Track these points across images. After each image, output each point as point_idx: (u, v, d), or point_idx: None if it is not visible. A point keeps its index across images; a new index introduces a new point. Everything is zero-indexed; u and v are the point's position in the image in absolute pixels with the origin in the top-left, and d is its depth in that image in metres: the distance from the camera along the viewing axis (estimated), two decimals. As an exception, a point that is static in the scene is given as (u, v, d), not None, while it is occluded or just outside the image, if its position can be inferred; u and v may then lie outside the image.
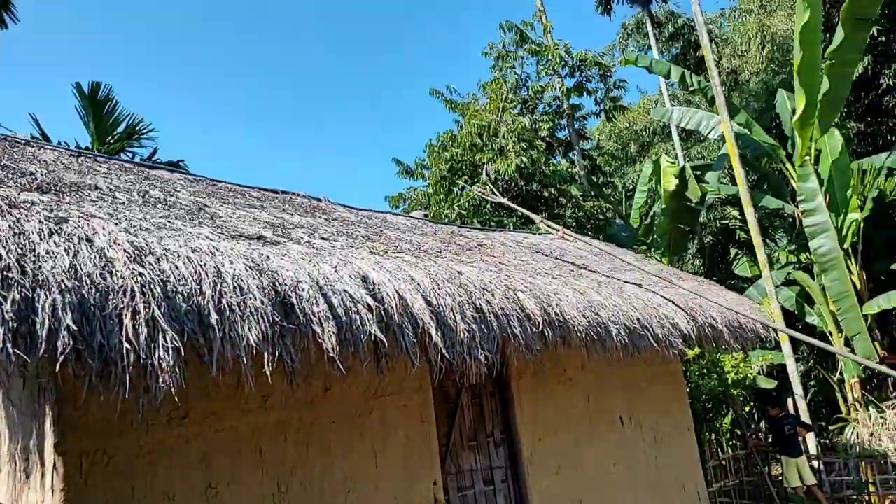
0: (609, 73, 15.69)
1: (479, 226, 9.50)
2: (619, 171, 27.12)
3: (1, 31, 18.32)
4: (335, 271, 3.77)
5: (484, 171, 13.56)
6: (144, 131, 18.96)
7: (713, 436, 12.54)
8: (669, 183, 15.58)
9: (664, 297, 7.16)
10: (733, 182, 16.99)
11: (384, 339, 3.60)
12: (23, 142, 4.69)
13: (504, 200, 9.17)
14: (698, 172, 15.98)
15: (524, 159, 12.58)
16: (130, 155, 18.16)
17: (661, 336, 6.53)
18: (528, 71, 15.83)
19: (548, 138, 16.33)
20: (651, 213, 18.45)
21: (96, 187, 4.04)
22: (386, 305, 3.80)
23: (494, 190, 8.91)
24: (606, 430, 7.63)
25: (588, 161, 16.60)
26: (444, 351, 3.91)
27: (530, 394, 6.71)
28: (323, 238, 4.65)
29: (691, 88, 15.16)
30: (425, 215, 8.75)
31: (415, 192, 14.61)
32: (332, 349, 3.30)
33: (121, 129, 18.07)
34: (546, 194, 14.48)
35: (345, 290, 3.59)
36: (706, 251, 18.92)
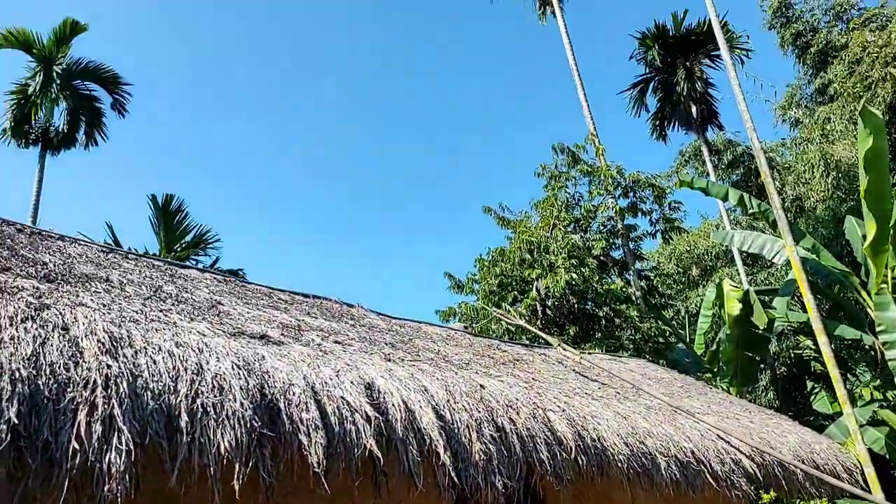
0: (664, 194, 15.51)
1: (524, 342, 9.06)
2: (680, 294, 26.22)
3: (91, 148, 20.17)
4: (336, 376, 3.45)
5: (534, 288, 13.22)
6: (211, 241, 19.91)
7: None
8: (733, 308, 14.75)
9: (718, 429, 6.41)
10: (803, 310, 15.98)
11: (380, 456, 3.18)
12: (55, 236, 4.74)
13: (522, 323, 8.81)
14: (764, 298, 15.13)
15: (574, 276, 12.21)
16: (195, 262, 18.97)
17: (720, 473, 5.75)
18: (581, 191, 15.85)
19: (602, 257, 15.99)
20: (717, 339, 17.43)
21: (107, 279, 3.96)
22: (389, 417, 3.41)
23: (531, 311, 8.58)
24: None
25: (645, 282, 16.05)
26: (454, 474, 3.44)
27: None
28: (337, 342, 4.38)
29: (751, 212, 14.71)
30: (465, 327, 8.40)
31: (465, 306, 14.34)
32: (319, 463, 2.91)
33: (189, 238, 19.01)
34: (601, 314, 13.92)
35: (342, 397, 3.25)
36: (779, 383, 17.53)
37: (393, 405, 3.48)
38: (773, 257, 15.51)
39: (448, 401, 3.89)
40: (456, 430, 3.73)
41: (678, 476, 5.19)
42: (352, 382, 3.44)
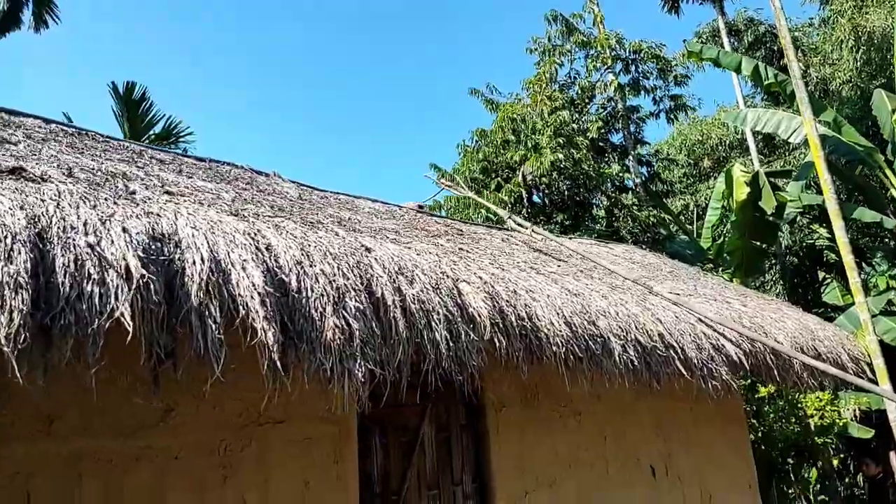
0: (669, 67, 13.82)
1: (490, 224, 7.95)
2: (690, 188, 24.86)
3: (42, 31, 18.57)
4: (102, 223, 2.38)
5: (520, 173, 11.99)
6: (183, 134, 18.52)
7: (797, 489, 10.29)
8: (741, 193, 13.49)
9: (691, 308, 5.39)
10: (820, 193, 14.64)
11: (150, 330, 2.17)
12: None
13: (469, 193, 7.67)
14: (775, 180, 13.79)
15: (560, 156, 10.92)
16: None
17: (695, 361, 4.76)
18: (577, 68, 14.20)
19: (599, 141, 14.58)
20: (725, 231, 16.24)
21: None
22: (185, 278, 2.37)
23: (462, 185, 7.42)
24: (630, 483, 5.84)
25: (646, 168, 14.70)
26: (276, 357, 2.44)
27: (515, 430, 5.06)
28: (169, 192, 3.29)
29: (767, 83, 13.09)
30: (420, 207, 7.31)
31: (451, 200, 13.22)
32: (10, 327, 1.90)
33: (157, 129, 17.66)
34: (594, 201, 12.74)
35: (89, 244, 2.19)
36: (787, 274, 16.49)
37: (192, 262, 2.43)
38: (789, 136, 14.03)
39: (300, 262, 2.83)
40: (303, 301, 2.69)
41: (637, 363, 4.20)
42: (125, 230, 2.37)
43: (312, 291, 2.75)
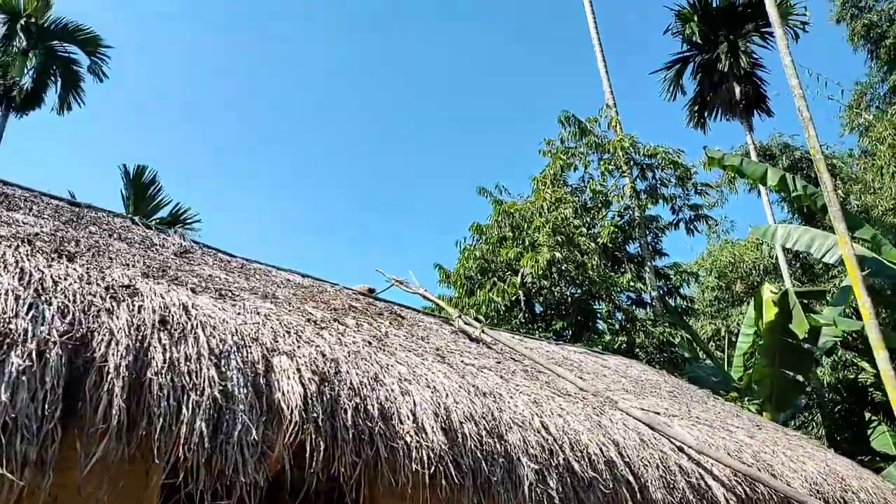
0: (688, 175, 12.96)
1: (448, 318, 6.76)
2: (721, 313, 23.32)
3: (65, 113, 19.05)
4: None
5: (520, 274, 10.94)
6: (189, 221, 18.33)
7: None
8: (770, 314, 12.12)
9: (665, 432, 4.08)
10: (859, 318, 13.10)
11: None
12: None
13: (420, 291, 6.71)
14: (808, 302, 12.37)
15: (558, 255, 9.87)
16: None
17: (657, 499, 3.43)
18: (592, 171, 13.45)
19: (615, 251, 13.51)
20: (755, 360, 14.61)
21: None
22: None
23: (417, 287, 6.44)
24: None
25: (664, 281, 13.47)
26: None
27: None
28: None
29: (795, 194, 12.06)
30: (371, 290, 6.30)
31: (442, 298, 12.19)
32: None
33: (163, 213, 17.43)
34: (602, 310, 11.53)
35: None
36: (827, 413, 14.58)
37: None
38: (823, 255, 12.74)
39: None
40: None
41: (561, 498, 2.91)
42: None
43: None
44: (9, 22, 16.65)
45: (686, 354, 14.25)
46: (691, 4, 18.22)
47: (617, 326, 12.58)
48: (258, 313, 2.74)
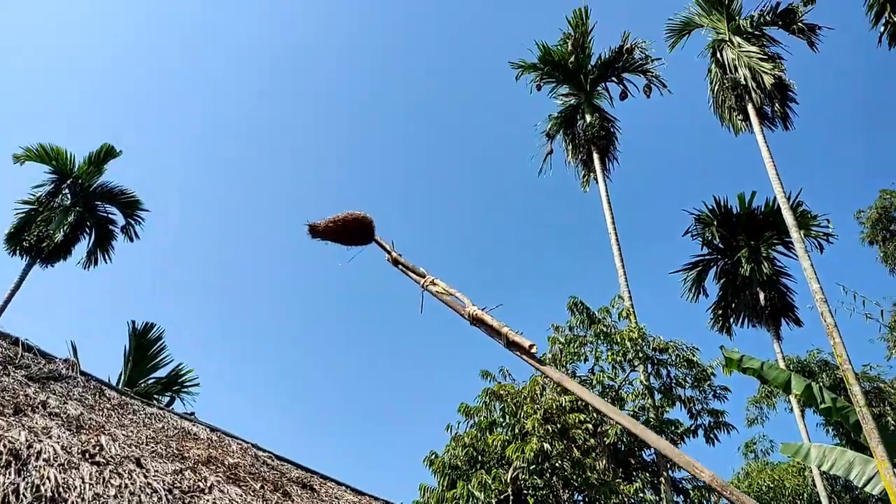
0: (705, 376, 11.91)
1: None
2: (763, 546, 20.49)
3: (91, 268, 19.46)
4: None
5: (512, 467, 9.74)
6: (188, 384, 17.66)
7: None
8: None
9: None
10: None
11: None
12: None
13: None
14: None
15: (547, 446, 8.73)
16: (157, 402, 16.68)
17: None
18: (604, 366, 12.55)
19: (629, 457, 12.14)
20: None
21: None
22: None
23: None
24: None
25: (682, 497, 11.80)
26: None
27: None
28: None
29: (823, 407, 10.86)
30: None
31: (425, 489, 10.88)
32: None
33: (161, 373, 16.83)
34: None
35: None
36: None
37: None
38: (864, 484, 11.14)
39: None
40: None
41: None
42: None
43: None
44: (57, 181, 17.94)
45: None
46: (711, 209, 18.40)
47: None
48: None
